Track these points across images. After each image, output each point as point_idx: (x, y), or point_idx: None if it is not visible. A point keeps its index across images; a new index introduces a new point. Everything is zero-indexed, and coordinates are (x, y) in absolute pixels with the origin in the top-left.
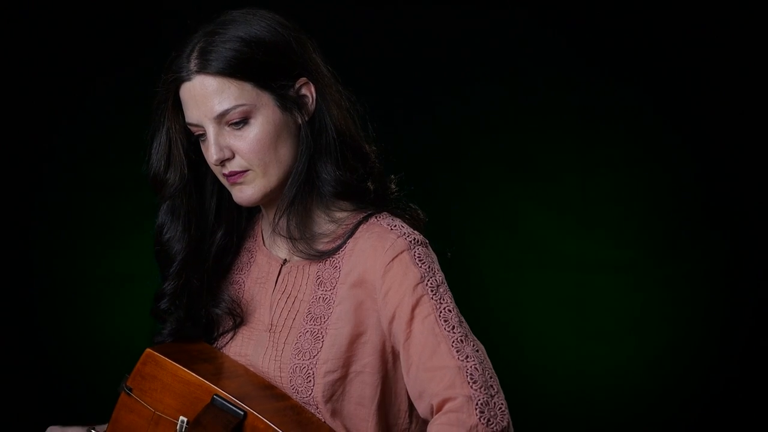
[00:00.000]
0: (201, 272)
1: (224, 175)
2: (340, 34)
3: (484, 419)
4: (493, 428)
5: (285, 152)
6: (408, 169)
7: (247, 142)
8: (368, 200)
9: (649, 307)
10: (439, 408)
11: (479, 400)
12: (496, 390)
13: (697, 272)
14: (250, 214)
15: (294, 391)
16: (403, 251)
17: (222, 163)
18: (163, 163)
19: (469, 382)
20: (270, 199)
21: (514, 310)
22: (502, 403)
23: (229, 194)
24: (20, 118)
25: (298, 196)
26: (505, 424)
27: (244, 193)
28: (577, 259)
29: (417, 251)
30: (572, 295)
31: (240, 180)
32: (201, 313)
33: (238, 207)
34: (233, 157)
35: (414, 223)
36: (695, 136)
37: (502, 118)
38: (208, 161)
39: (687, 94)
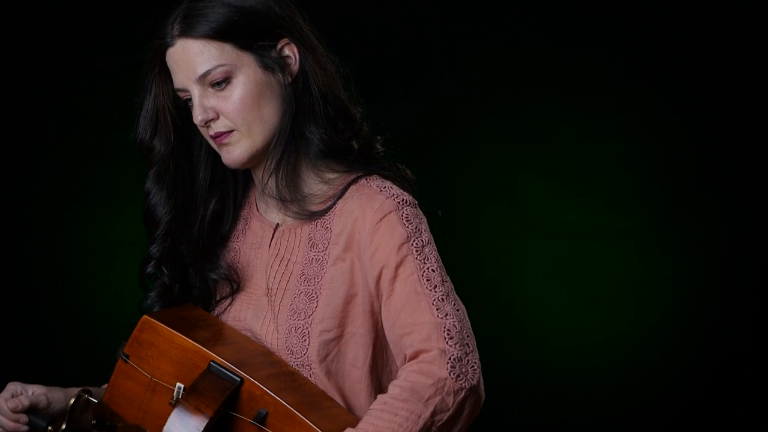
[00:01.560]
0: (190, 239)
1: (211, 137)
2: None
3: (453, 374)
4: (461, 384)
5: (269, 111)
6: (406, 140)
7: (230, 102)
8: (353, 160)
9: (649, 276)
10: (412, 358)
11: (453, 355)
12: (471, 349)
13: (696, 241)
14: (247, 184)
15: (289, 351)
16: (391, 212)
17: (208, 125)
18: (149, 130)
19: (445, 338)
20: (258, 160)
21: (512, 279)
22: (475, 362)
23: (223, 164)
24: (17, 86)
25: (285, 157)
26: (474, 382)
27: (232, 155)
28: (576, 228)
29: (405, 212)
30: (570, 263)
31: (226, 140)
32: (196, 280)
33: (233, 176)
34: (218, 118)
35: (404, 185)
36: (695, 105)
37: (499, 88)
38: (195, 123)
39: (686, 64)
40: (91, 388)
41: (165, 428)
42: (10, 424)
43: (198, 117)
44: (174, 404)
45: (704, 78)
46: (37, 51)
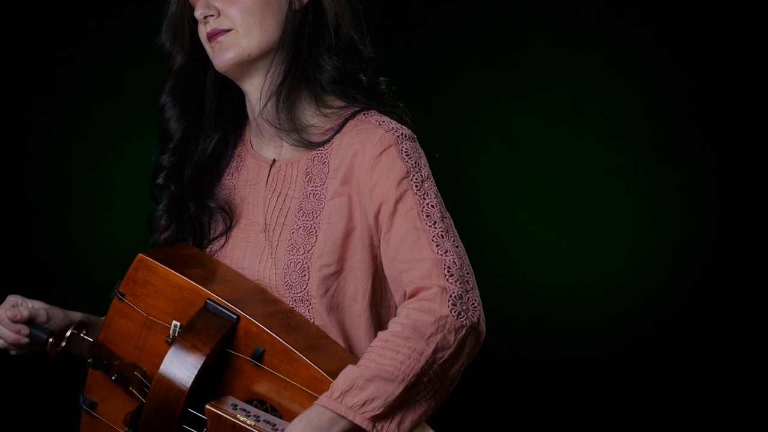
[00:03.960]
0: (193, 166)
1: (207, 35)
2: None
3: (455, 312)
4: (462, 322)
5: (271, 23)
6: (402, 82)
7: (238, 2)
8: (357, 93)
9: (644, 213)
10: (413, 295)
11: (453, 292)
12: (471, 286)
13: (688, 178)
14: (243, 122)
15: (288, 287)
16: (391, 146)
17: (207, 20)
18: (170, 35)
19: (445, 275)
20: (248, 70)
21: (506, 217)
22: (475, 299)
23: (231, 98)
24: (16, 18)
25: (288, 80)
26: (475, 320)
27: (223, 56)
28: (570, 166)
29: (404, 146)
30: (566, 201)
31: (221, 38)
32: (193, 211)
33: (238, 112)
34: (218, 15)
35: (401, 121)
36: (687, 43)
37: (493, 28)
38: (195, 17)
39: (679, 2)
40: (89, 316)
41: (162, 366)
42: (10, 335)
43: (198, 10)
44: (170, 342)
45: (698, 15)
46: None
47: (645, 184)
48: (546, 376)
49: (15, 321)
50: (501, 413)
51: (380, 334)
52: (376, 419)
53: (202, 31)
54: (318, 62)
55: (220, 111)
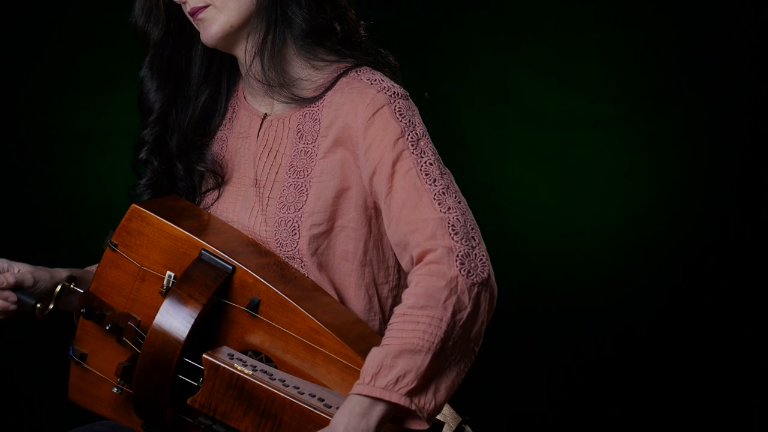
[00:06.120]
0: (180, 132)
1: (189, 14)
2: None
3: (464, 271)
4: (473, 280)
5: None
6: (395, 33)
7: None
8: (336, 43)
9: (634, 164)
10: (420, 259)
11: (460, 251)
12: (477, 242)
13: (679, 128)
14: (237, 76)
15: (279, 245)
16: (383, 106)
17: (185, 0)
18: (143, 13)
19: (450, 234)
20: (235, 40)
21: (497, 169)
22: (483, 255)
23: (219, 60)
24: None
25: (269, 38)
26: (485, 275)
27: (208, 31)
28: (561, 117)
29: (397, 104)
30: (557, 152)
31: (201, 15)
32: (182, 173)
33: (228, 71)
34: None
35: (394, 77)
36: None
37: None
38: (176, 2)
39: None
40: (75, 270)
41: (157, 317)
42: None
43: None
44: (165, 293)
45: None
46: None
47: (636, 135)
48: (539, 328)
49: (1, 289)
50: (492, 367)
51: (396, 309)
52: (412, 393)
53: (186, 12)
54: (287, 15)
55: (207, 74)
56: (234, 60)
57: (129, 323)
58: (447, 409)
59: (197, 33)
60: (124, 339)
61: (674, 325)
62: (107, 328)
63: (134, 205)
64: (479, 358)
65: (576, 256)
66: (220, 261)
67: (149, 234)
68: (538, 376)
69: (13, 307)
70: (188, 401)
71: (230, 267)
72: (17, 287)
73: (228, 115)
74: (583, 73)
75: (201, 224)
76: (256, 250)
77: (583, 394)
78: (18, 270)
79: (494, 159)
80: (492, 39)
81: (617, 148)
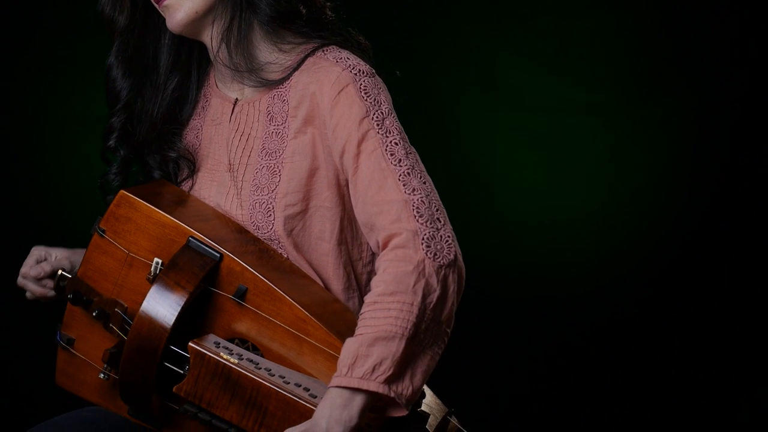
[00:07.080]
0: (150, 120)
1: (154, 1)
2: None
3: (430, 253)
4: (440, 262)
5: None
6: (384, 22)
7: None
8: (303, 25)
9: (622, 150)
10: (385, 244)
11: (425, 234)
12: (442, 223)
13: (668, 115)
14: (209, 64)
15: (255, 227)
16: (348, 84)
17: None
18: (110, 1)
19: (415, 216)
20: (201, 26)
21: (486, 155)
22: (448, 236)
23: (187, 49)
24: None
25: (235, 24)
26: (451, 257)
27: (174, 18)
28: (549, 103)
29: (362, 83)
30: (545, 139)
31: (166, 2)
32: (156, 162)
33: (198, 61)
34: None
35: (362, 55)
36: None
37: None
38: None
39: None
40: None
41: (144, 303)
42: (37, 289)
43: None
44: (152, 280)
45: None
46: None
47: (625, 121)
48: (526, 314)
49: (39, 278)
50: (481, 354)
51: (366, 297)
52: (389, 381)
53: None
54: (253, 2)
55: (176, 63)
56: (205, 48)
57: (116, 309)
58: (433, 400)
59: (164, 21)
60: (110, 325)
61: (662, 310)
62: (94, 314)
63: (123, 191)
64: (468, 344)
65: (564, 241)
66: (207, 248)
67: (137, 220)
68: (526, 362)
69: (51, 293)
70: (174, 389)
71: (218, 255)
72: (54, 273)
73: (201, 104)
74: (573, 61)
75: (189, 211)
76: (244, 238)
77: (572, 379)
78: (55, 257)
79: (483, 146)
80: (482, 25)
81: (606, 134)
